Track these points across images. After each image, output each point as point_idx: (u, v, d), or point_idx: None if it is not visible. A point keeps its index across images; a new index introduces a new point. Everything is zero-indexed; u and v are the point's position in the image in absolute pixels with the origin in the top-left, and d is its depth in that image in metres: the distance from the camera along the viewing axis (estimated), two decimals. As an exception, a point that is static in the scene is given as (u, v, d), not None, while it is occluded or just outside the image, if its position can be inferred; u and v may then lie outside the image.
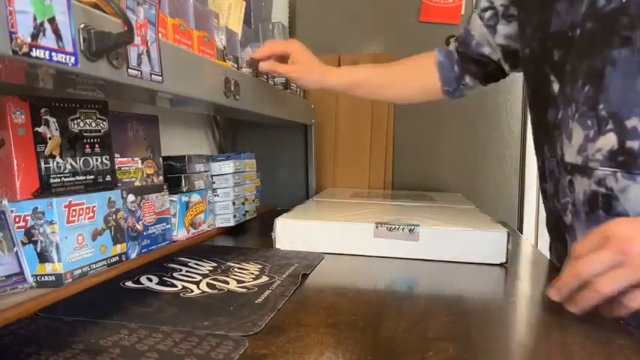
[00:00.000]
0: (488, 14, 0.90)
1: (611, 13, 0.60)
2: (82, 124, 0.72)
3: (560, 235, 0.75)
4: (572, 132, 0.65)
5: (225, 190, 1.08)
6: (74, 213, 0.66)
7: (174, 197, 0.92)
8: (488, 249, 0.82)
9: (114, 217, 0.73)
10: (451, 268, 0.78)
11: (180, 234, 0.94)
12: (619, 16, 0.59)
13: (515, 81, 1.55)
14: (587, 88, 0.63)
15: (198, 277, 0.73)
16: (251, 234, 1.12)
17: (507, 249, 0.81)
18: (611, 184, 0.61)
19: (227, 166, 1.09)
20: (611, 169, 0.61)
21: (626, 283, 0.51)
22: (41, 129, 0.65)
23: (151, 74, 0.59)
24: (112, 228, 0.73)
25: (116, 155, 0.80)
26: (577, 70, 0.64)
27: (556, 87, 0.69)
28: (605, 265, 0.51)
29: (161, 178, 0.91)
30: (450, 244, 0.83)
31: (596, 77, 0.62)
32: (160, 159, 0.92)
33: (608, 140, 0.60)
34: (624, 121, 0.59)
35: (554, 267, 0.84)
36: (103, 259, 0.71)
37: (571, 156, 0.66)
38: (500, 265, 0.82)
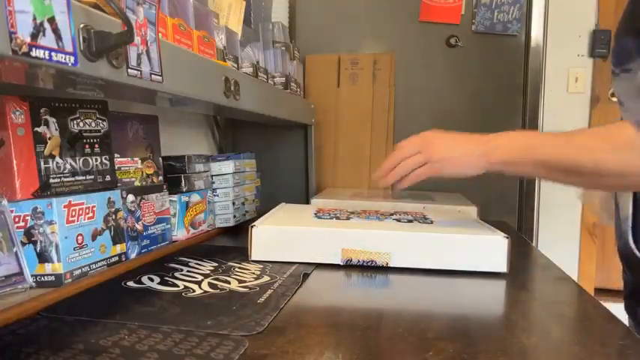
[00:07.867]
0: None
1: None
2: (81, 124, 0.72)
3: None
4: None
5: (225, 190, 1.08)
6: (74, 213, 0.66)
7: (174, 197, 0.92)
8: (487, 256, 0.78)
9: (113, 217, 0.73)
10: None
11: (180, 234, 0.94)
12: None
13: (517, 88, 1.55)
14: None
15: (200, 277, 0.73)
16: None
17: (508, 257, 0.77)
18: None
19: (227, 166, 1.08)
20: None
21: (417, 164, 0.79)
22: (41, 129, 0.65)
23: (150, 74, 0.59)
24: (112, 228, 0.73)
25: (116, 155, 0.80)
26: None
27: None
28: (410, 151, 0.79)
29: (161, 178, 0.91)
30: (446, 251, 0.79)
31: None
32: (160, 159, 0.92)
33: None
34: None
35: (552, 267, 0.84)
36: (103, 259, 0.71)
37: None
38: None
